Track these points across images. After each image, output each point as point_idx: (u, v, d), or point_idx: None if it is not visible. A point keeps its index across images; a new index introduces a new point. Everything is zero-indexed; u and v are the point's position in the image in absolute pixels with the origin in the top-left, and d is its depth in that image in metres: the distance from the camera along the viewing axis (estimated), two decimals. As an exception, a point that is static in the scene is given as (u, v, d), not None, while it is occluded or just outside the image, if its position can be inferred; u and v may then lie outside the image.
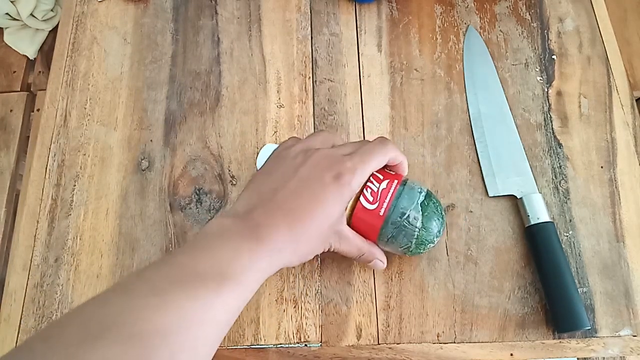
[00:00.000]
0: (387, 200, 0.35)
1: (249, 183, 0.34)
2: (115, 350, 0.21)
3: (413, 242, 0.36)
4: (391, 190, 0.35)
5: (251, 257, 0.28)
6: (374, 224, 0.35)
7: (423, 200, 0.36)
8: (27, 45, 0.79)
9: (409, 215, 0.35)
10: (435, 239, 0.36)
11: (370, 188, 0.35)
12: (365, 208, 0.35)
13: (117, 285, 0.27)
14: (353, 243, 0.35)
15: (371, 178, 0.35)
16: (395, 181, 0.36)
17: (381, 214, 0.35)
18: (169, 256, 0.29)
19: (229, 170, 0.46)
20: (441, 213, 0.37)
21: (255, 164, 0.39)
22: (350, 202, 0.35)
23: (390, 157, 0.35)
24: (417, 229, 0.35)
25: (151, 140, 0.47)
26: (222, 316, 0.26)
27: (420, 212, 0.35)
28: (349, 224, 0.35)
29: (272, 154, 0.37)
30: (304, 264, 0.42)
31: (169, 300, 0.25)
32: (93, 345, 0.21)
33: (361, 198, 0.35)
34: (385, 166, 0.37)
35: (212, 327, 0.26)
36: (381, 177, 0.36)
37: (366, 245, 0.36)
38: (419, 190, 0.36)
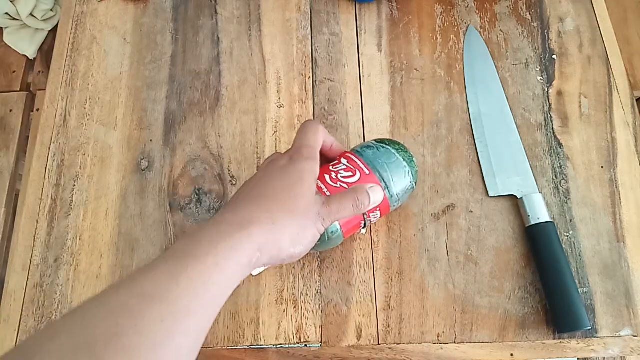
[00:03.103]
0: (357, 161, 0.37)
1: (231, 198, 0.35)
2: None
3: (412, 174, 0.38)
4: (351, 155, 0.37)
5: (212, 233, 0.28)
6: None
7: (383, 147, 0.38)
8: (26, 45, 0.79)
9: (386, 159, 0.37)
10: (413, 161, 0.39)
11: (339, 168, 0.36)
12: (351, 180, 0.36)
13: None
14: (340, 197, 0.33)
15: (330, 167, 0.37)
16: (346, 153, 0.38)
17: (366, 173, 0.36)
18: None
19: (229, 170, 0.46)
20: (392, 140, 0.39)
21: None
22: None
23: (323, 134, 0.36)
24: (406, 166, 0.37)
25: (151, 140, 0.47)
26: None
27: (394, 153, 0.37)
28: None
29: None
30: (304, 264, 0.42)
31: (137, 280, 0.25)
32: None
33: (342, 180, 0.36)
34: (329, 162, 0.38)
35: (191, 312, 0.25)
36: (335, 162, 0.38)
37: (352, 189, 0.35)
38: (367, 143, 0.39)
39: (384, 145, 0.38)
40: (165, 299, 0.24)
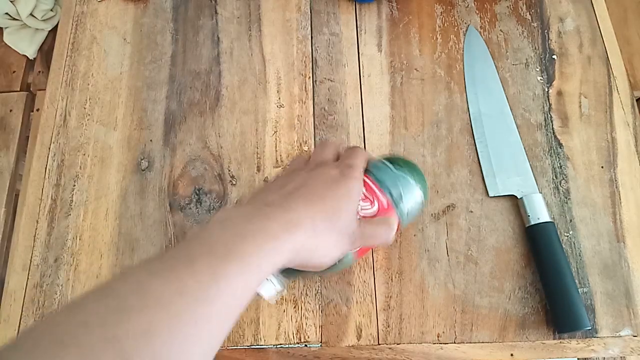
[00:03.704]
0: (375, 189, 0.35)
1: (257, 191, 0.33)
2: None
3: (420, 196, 0.36)
4: (369, 180, 0.35)
5: (256, 231, 0.26)
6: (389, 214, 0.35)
7: (395, 168, 0.36)
8: (26, 45, 0.79)
9: (402, 184, 0.35)
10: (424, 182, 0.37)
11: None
12: (367, 212, 0.34)
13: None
14: (375, 224, 0.33)
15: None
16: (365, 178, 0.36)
17: (383, 202, 0.34)
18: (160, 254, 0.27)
19: (229, 170, 0.46)
20: (408, 162, 0.37)
21: None
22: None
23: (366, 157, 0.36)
24: (416, 186, 0.36)
25: (151, 140, 0.47)
26: (229, 298, 0.24)
27: (404, 174, 0.35)
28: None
29: None
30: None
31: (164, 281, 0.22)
32: (59, 354, 0.19)
33: (361, 211, 0.34)
34: None
35: (218, 310, 0.23)
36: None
37: (384, 220, 0.34)
38: (383, 164, 0.36)
39: (402, 172, 0.36)
40: (203, 300, 0.23)
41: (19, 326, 0.41)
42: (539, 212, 0.42)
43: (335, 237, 0.30)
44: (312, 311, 0.41)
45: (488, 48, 0.50)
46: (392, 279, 0.42)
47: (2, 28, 0.81)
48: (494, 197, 0.44)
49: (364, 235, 0.32)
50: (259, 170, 0.46)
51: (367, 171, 0.35)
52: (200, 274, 0.23)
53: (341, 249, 0.31)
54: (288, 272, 0.32)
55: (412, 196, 0.35)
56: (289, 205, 0.29)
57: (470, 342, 0.40)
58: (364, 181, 0.34)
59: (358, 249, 0.34)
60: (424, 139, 0.47)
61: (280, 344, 0.40)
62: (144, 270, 0.23)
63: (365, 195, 0.34)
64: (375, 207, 0.34)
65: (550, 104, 0.48)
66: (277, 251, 0.26)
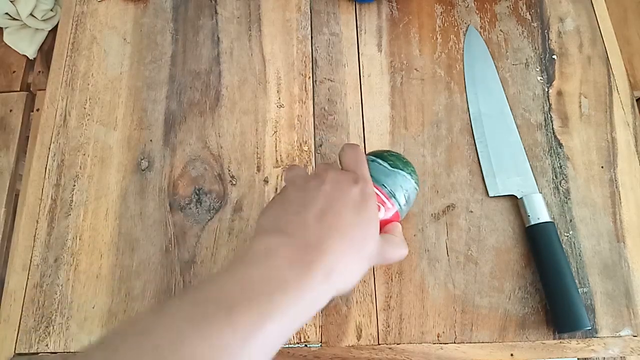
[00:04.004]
0: (381, 195, 0.34)
1: (266, 208, 0.31)
2: None
3: (413, 190, 0.36)
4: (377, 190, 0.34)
5: (301, 287, 0.25)
6: (394, 219, 0.35)
7: (389, 164, 0.35)
8: (26, 45, 0.79)
9: (401, 182, 0.35)
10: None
11: None
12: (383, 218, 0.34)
13: (135, 323, 0.23)
14: (396, 245, 0.32)
15: None
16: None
17: (389, 207, 0.34)
18: (196, 288, 0.25)
19: (229, 170, 0.46)
20: (397, 155, 0.37)
21: None
22: None
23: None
24: (411, 181, 0.35)
25: (151, 140, 0.47)
26: (259, 352, 0.23)
27: (398, 171, 0.35)
28: None
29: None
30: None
31: (193, 334, 0.21)
32: None
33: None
34: None
35: None
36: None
37: (402, 240, 0.34)
38: (377, 163, 0.36)
39: (397, 169, 0.36)
40: (239, 357, 0.22)
41: (19, 326, 0.41)
42: (539, 212, 0.42)
43: (359, 264, 0.29)
44: (312, 311, 0.41)
45: (488, 48, 0.50)
46: (392, 279, 0.42)
47: (2, 28, 0.81)
48: (494, 197, 0.44)
49: (385, 258, 0.31)
50: (259, 170, 0.46)
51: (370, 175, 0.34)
52: (239, 330, 0.22)
53: (362, 273, 0.30)
54: None
55: (410, 190, 0.35)
56: (326, 245, 0.27)
57: (470, 342, 0.40)
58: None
59: None
60: (424, 139, 0.47)
61: (280, 344, 0.40)
62: (182, 315, 0.22)
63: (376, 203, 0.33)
64: (383, 211, 0.34)
65: (550, 104, 0.48)
66: (316, 302, 0.26)
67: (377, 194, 0.33)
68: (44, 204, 0.45)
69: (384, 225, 0.34)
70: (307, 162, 0.46)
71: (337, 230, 0.28)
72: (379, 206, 0.33)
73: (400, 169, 0.35)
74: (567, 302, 0.39)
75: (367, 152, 0.37)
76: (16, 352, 0.40)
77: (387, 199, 0.34)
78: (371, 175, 0.33)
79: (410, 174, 0.36)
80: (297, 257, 0.26)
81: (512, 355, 0.40)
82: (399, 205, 0.34)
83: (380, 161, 0.35)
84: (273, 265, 0.26)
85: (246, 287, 0.24)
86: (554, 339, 0.40)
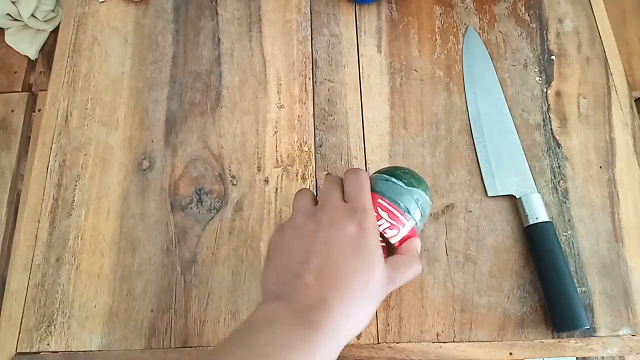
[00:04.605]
0: (398, 214, 0.33)
1: (267, 263, 0.31)
2: None
3: (427, 205, 0.35)
4: (388, 205, 0.33)
5: (309, 348, 0.25)
6: (411, 235, 0.34)
7: (403, 182, 0.34)
8: (28, 46, 0.80)
9: (416, 199, 0.34)
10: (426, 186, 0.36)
11: (384, 227, 0.33)
12: (395, 239, 0.33)
13: None
14: (405, 269, 0.31)
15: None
16: (377, 199, 0.33)
17: (407, 225, 0.33)
18: (210, 353, 0.26)
19: (230, 170, 0.46)
20: (410, 172, 0.36)
21: None
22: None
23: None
24: (424, 197, 0.35)
25: (152, 141, 0.48)
26: None
27: (414, 188, 0.34)
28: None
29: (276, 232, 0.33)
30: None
31: None
32: None
33: (385, 235, 0.32)
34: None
35: None
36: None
37: (412, 257, 0.32)
38: (392, 182, 0.34)
39: (411, 187, 0.34)
40: None
41: (20, 325, 0.41)
42: (538, 211, 0.42)
43: (366, 309, 0.28)
44: (312, 310, 0.41)
45: (487, 49, 0.51)
46: (391, 279, 0.42)
47: (3, 29, 0.82)
48: (493, 197, 0.45)
49: (396, 284, 0.30)
50: (259, 170, 0.46)
51: (380, 193, 0.33)
52: None
53: (371, 315, 0.29)
54: None
55: (425, 205, 0.35)
56: (328, 303, 0.27)
57: (469, 341, 0.40)
58: (384, 206, 0.33)
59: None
60: (423, 139, 0.47)
61: (281, 343, 0.40)
62: None
63: (389, 222, 0.32)
64: (400, 233, 0.33)
65: (548, 105, 0.49)
66: (328, 356, 0.26)
67: (393, 212, 0.33)
68: (45, 204, 0.45)
69: (403, 242, 0.33)
70: (307, 163, 0.46)
71: (337, 282, 0.28)
72: (396, 225, 0.32)
73: (415, 187, 0.34)
74: (565, 301, 0.39)
75: (379, 170, 0.36)
76: (18, 351, 0.41)
77: (404, 216, 0.33)
78: (385, 195, 0.33)
79: (424, 190, 0.35)
80: (300, 320, 0.26)
81: (510, 354, 0.40)
82: (415, 221, 0.34)
83: (395, 180, 0.34)
84: (276, 330, 0.26)
85: (254, 352, 0.25)
86: (553, 338, 0.40)
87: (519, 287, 0.42)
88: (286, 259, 0.30)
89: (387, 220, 0.32)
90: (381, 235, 0.32)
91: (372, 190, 0.33)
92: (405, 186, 0.34)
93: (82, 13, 0.54)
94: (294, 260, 0.29)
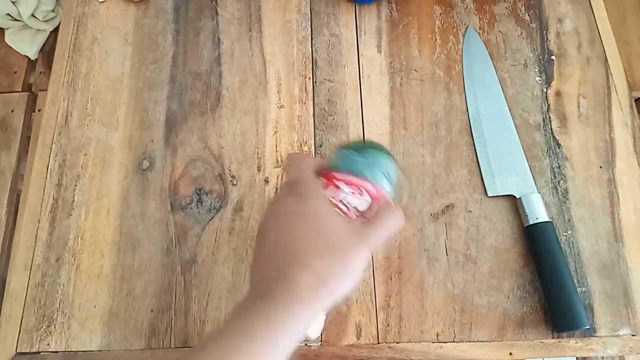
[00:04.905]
0: (358, 182, 0.32)
1: (255, 255, 0.32)
2: None
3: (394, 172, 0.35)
4: (346, 175, 0.33)
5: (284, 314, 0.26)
6: (379, 198, 0.34)
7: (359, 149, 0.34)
8: (28, 46, 0.79)
9: (374, 164, 0.34)
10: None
11: (347, 198, 0.33)
12: (360, 205, 0.33)
13: None
14: (384, 223, 0.31)
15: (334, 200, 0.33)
16: (332, 172, 0.34)
17: (369, 189, 0.32)
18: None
19: (230, 170, 0.46)
20: (368, 142, 0.36)
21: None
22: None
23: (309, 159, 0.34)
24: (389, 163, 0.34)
25: (152, 141, 0.48)
26: None
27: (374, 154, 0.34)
28: None
29: None
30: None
31: None
32: None
33: (359, 206, 0.33)
34: None
35: None
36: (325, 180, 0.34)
37: (387, 212, 0.32)
38: (343, 152, 0.34)
39: (372, 157, 0.34)
40: None
41: (21, 325, 0.41)
42: (538, 211, 0.42)
43: (343, 265, 0.28)
44: (312, 310, 0.41)
45: (487, 49, 0.51)
46: (391, 279, 0.42)
47: (3, 29, 0.82)
48: (493, 197, 0.45)
49: (379, 236, 0.30)
50: (259, 170, 0.46)
51: (336, 167, 0.33)
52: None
53: (360, 265, 0.28)
54: None
55: (391, 170, 0.34)
56: (285, 275, 0.27)
57: (469, 341, 0.40)
58: (341, 178, 0.33)
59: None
60: (423, 139, 0.47)
61: (281, 343, 0.40)
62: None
63: (352, 190, 0.32)
64: (367, 195, 0.33)
65: (548, 105, 0.49)
66: (293, 331, 0.26)
67: (352, 181, 0.33)
68: (45, 204, 0.45)
69: (372, 205, 0.33)
70: (307, 162, 0.46)
71: (290, 253, 0.28)
72: (360, 191, 0.32)
73: (377, 156, 0.34)
74: (565, 301, 0.39)
75: (340, 146, 0.36)
76: (18, 351, 0.41)
77: (374, 186, 0.33)
78: (352, 169, 0.33)
79: (386, 156, 0.35)
80: (264, 297, 0.27)
81: (510, 354, 0.40)
82: (384, 187, 0.34)
83: (356, 154, 0.34)
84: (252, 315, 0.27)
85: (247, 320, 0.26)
86: (553, 338, 0.40)
87: (519, 287, 0.42)
88: (259, 254, 0.31)
89: (348, 191, 0.32)
90: (345, 205, 0.32)
91: (331, 166, 0.34)
92: (365, 157, 0.34)
93: (82, 13, 0.54)
94: (263, 254, 0.30)
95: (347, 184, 0.33)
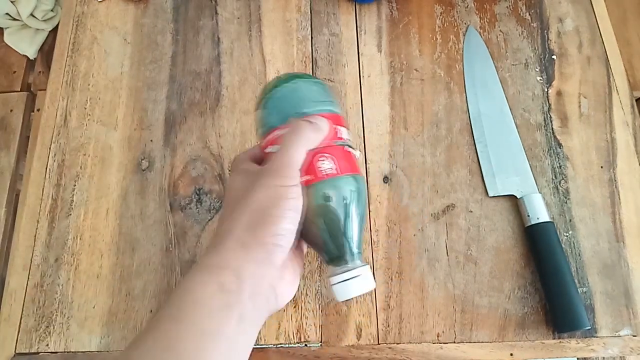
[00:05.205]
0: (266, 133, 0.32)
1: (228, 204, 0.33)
2: None
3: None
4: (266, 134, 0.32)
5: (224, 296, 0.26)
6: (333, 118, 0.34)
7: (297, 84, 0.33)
8: (27, 45, 0.79)
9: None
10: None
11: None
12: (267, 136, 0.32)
13: None
14: (289, 137, 0.30)
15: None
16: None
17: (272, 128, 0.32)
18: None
19: (229, 170, 0.46)
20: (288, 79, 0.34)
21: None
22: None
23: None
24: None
25: (151, 140, 0.47)
26: None
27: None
28: None
29: None
30: (304, 263, 0.42)
31: None
32: None
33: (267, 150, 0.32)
34: None
35: None
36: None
37: (295, 128, 0.30)
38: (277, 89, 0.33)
39: (296, 92, 0.33)
40: None
41: (19, 326, 0.41)
42: (539, 212, 0.42)
43: (270, 192, 0.28)
44: (312, 311, 0.41)
45: (488, 48, 0.51)
46: (391, 279, 0.42)
47: (2, 28, 0.81)
48: (494, 197, 0.44)
49: (284, 155, 0.29)
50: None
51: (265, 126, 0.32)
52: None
53: (276, 192, 0.28)
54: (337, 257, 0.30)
55: (316, 89, 0.33)
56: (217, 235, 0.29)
57: (469, 342, 0.40)
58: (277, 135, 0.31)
59: (305, 171, 0.30)
60: (424, 139, 0.47)
61: (281, 344, 0.40)
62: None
63: (267, 140, 0.32)
64: (268, 137, 0.32)
65: (549, 104, 0.49)
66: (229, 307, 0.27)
67: (266, 134, 0.32)
68: (44, 204, 0.45)
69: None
70: (307, 162, 0.46)
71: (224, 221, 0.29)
72: (270, 141, 0.32)
73: (304, 90, 0.33)
74: (566, 301, 0.39)
75: (261, 95, 0.34)
76: (17, 351, 0.40)
77: (281, 129, 0.31)
78: (286, 114, 0.32)
79: (307, 80, 0.33)
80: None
81: (511, 354, 0.40)
82: (322, 109, 0.33)
83: (277, 98, 0.33)
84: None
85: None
86: (554, 338, 0.40)
87: (520, 287, 0.42)
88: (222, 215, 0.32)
89: (268, 140, 0.32)
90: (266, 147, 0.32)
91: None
92: (289, 95, 0.33)
93: (81, 12, 0.53)
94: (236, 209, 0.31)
95: (265, 134, 0.32)
